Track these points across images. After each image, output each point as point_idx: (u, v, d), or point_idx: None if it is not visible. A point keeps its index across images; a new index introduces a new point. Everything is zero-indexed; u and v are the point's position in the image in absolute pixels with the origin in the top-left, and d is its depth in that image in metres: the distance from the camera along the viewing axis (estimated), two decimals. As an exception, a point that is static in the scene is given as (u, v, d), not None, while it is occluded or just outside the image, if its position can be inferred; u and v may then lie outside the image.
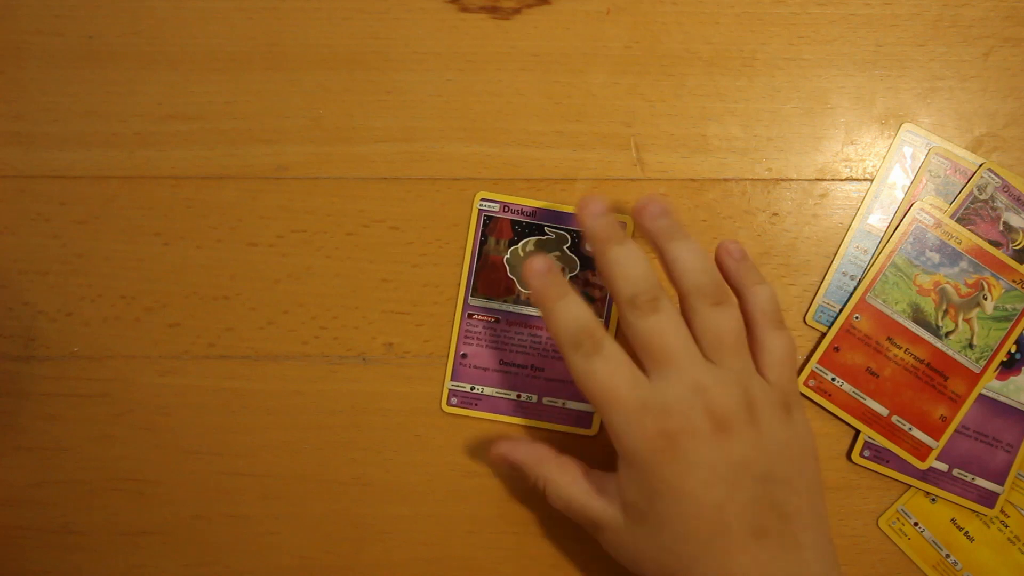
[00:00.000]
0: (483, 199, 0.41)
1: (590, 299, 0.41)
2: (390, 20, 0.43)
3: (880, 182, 0.42)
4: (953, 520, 0.41)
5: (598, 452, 0.41)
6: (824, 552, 0.33)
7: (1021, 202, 0.41)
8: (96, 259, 0.42)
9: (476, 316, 0.41)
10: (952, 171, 0.42)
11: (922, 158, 0.42)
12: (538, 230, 0.41)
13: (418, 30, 0.43)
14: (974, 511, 0.41)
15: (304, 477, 0.41)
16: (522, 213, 0.41)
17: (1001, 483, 0.40)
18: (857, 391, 0.41)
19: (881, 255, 0.41)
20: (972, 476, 0.41)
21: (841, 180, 0.42)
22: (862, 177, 0.42)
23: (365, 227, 0.42)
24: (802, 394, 0.41)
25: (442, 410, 0.41)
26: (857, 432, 0.41)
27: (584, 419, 0.41)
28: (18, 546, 0.41)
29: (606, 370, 0.33)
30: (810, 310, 0.42)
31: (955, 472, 0.41)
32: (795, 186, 0.42)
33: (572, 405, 0.41)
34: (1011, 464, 0.41)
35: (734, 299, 0.36)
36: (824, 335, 0.41)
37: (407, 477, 0.41)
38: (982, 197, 0.41)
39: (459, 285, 0.42)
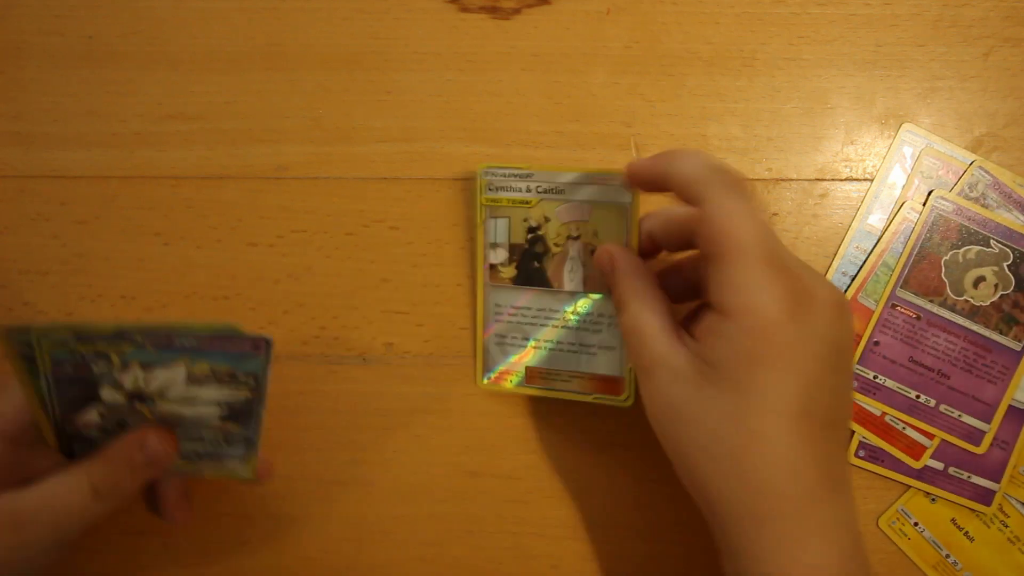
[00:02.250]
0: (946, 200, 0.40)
1: (1015, 321, 0.40)
2: (390, 20, 0.43)
3: (880, 182, 0.42)
4: (953, 520, 0.41)
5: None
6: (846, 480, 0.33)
7: (1012, 199, 0.41)
8: (96, 259, 0.42)
9: (900, 308, 0.40)
10: (944, 171, 0.42)
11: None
12: (983, 241, 0.40)
13: (418, 30, 0.43)
14: (971, 509, 0.41)
15: (304, 477, 0.42)
16: (974, 221, 0.40)
17: (997, 480, 0.40)
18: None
19: (872, 255, 0.41)
20: (968, 474, 0.41)
21: (841, 180, 0.42)
22: (862, 177, 0.42)
23: (365, 227, 0.42)
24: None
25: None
26: (852, 432, 0.41)
27: (975, 435, 0.40)
28: (18, 546, 0.41)
29: (758, 216, 0.31)
30: (810, 310, 0.42)
31: (951, 470, 0.41)
32: (795, 186, 0.42)
33: (967, 419, 0.40)
34: (1007, 461, 0.41)
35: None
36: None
37: (407, 477, 0.42)
38: (973, 195, 0.41)
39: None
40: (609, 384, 0.41)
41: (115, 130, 0.43)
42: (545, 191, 0.40)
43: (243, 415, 0.35)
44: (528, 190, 0.41)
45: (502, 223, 0.41)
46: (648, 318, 0.33)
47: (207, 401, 0.34)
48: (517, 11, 0.43)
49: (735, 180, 0.32)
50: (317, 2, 0.43)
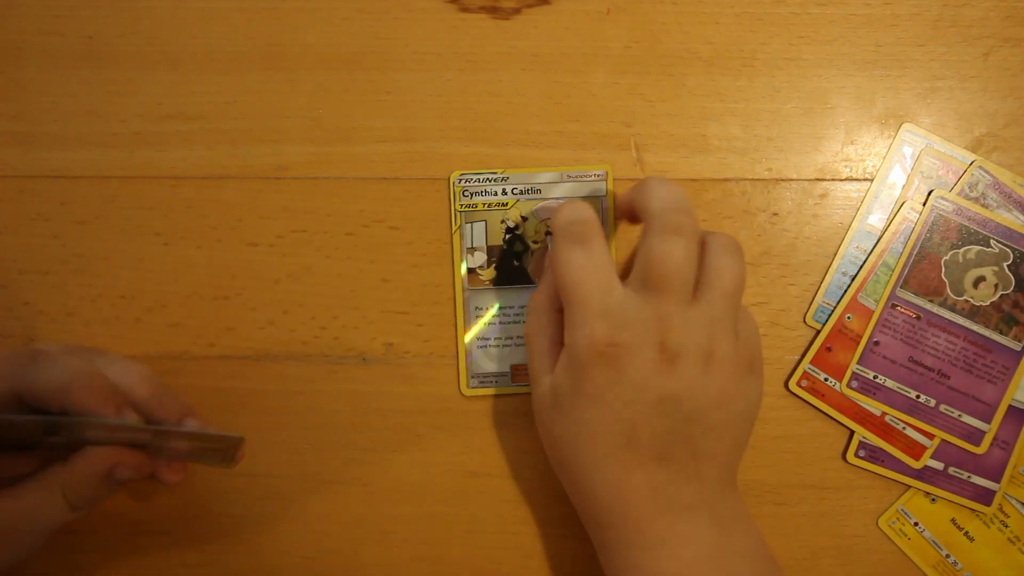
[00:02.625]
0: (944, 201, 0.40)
1: (1015, 321, 0.40)
2: (390, 20, 0.43)
3: (880, 182, 0.42)
4: (953, 520, 0.41)
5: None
6: (723, 492, 0.35)
7: (1012, 199, 0.41)
8: (96, 259, 0.42)
9: (900, 308, 0.40)
10: (944, 171, 0.42)
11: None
12: (983, 241, 0.40)
13: (418, 30, 0.43)
14: (971, 509, 0.41)
15: (304, 477, 0.41)
16: (973, 221, 0.40)
17: (997, 480, 0.40)
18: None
19: (872, 255, 0.41)
20: (968, 474, 0.41)
21: (841, 180, 0.42)
22: (862, 177, 0.42)
23: (365, 227, 0.42)
24: (795, 395, 0.41)
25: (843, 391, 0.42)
26: (851, 432, 0.41)
27: (975, 435, 0.40)
28: (18, 546, 0.41)
29: (583, 263, 0.34)
30: (810, 310, 0.42)
31: (951, 470, 0.41)
32: (795, 186, 0.42)
33: (967, 419, 0.40)
34: (1007, 461, 0.41)
35: (743, 259, 0.36)
36: (816, 335, 0.41)
37: (407, 477, 0.42)
38: (973, 194, 0.41)
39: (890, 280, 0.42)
40: None
41: (115, 130, 0.43)
42: (522, 192, 0.41)
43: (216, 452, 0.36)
44: (505, 193, 0.41)
45: (479, 227, 0.42)
46: (538, 336, 0.37)
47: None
48: (517, 11, 0.43)
49: (579, 232, 0.35)
50: (317, 2, 0.43)
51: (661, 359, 0.33)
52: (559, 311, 0.36)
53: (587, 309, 0.34)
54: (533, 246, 0.42)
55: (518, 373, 0.42)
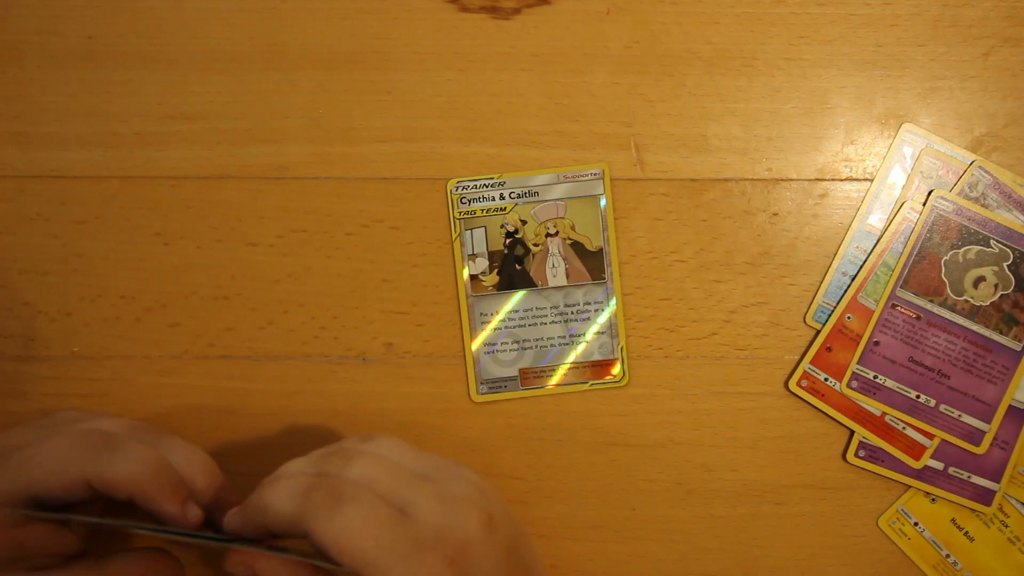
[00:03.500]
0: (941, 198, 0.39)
1: (1015, 321, 0.40)
2: (390, 20, 0.43)
3: (880, 182, 0.42)
4: (953, 520, 0.41)
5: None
6: None
7: (1012, 199, 0.41)
8: (96, 259, 0.42)
9: (900, 308, 0.40)
10: (944, 171, 0.42)
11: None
12: (983, 241, 0.40)
13: (418, 30, 0.43)
14: (971, 509, 0.41)
15: (304, 477, 0.41)
16: (973, 221, 0.40)
17: (997, 480, 0.40)
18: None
19: (872, 255, 0.41)
20: (968, 474, 0.41)
21: (841, 180, 0.42)
22: (862, 177, 0.42)
23: (365, 227, 0.42)
24: (795, 395, 0.41)
25: (844, 389, 0.42)
26: (852, 432, 0.41)
27: (975, 435, 0.40)
28: (18, 546, 0.41)
29: (362, 515, 0.29)
30: (810, 310, 0.42)
31: (951, 470, 0.41)
32: (795, 186, 0.42)
33: (967, 419, 0.40)
34: (1007, 461, 0.41)
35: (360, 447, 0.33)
36: (816, 335, 0.41)
37: (407, 477, 0.41)
38: (973, 195, 0.41)
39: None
40: (603, 368, 0.41)
41: (115, 130, 0.43)
42: (520, 196, 0.41)
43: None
44: (502, 197, 0.41)
45: (479, 233, 0.42)
46: None
47: None
48: (517, 11, 0.43)
49: (327, 494, 0.30)
50: (317, 2, 0.43)
51: (484, 527, 0.31)
52: None
53: (400, 551, 0.29)
54: (534, 248, 0.42)
55: (527, 376, 0.41)
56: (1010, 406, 0.41)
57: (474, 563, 0.30)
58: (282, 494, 0.30)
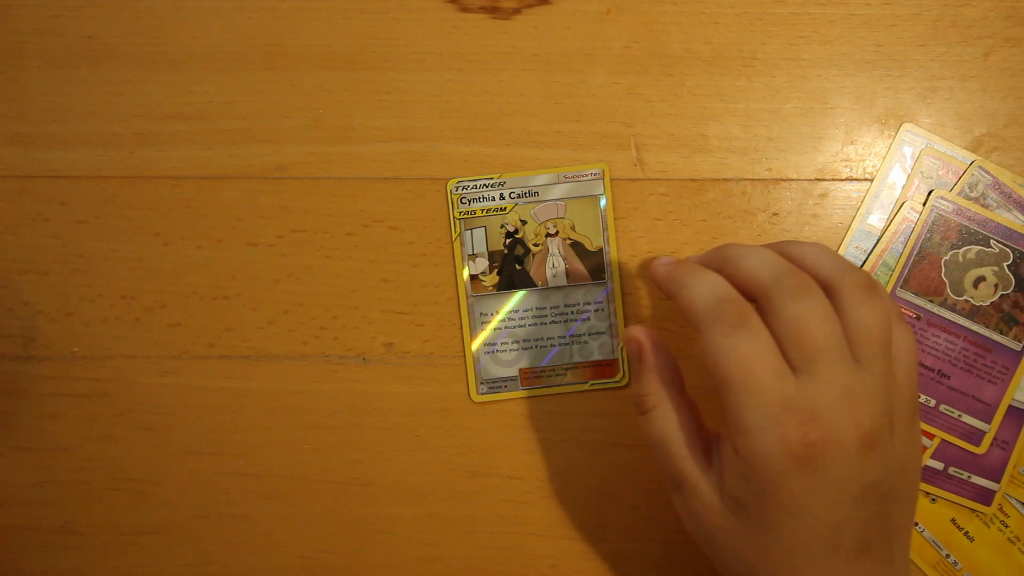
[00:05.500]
0: (939, 198, 0.39)
1: (1015, 321, 0.39)
2: (390, 20, 0.43)
3: (880, 182, 0.42)
4: (953, 520, 0.41)
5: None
6: (905, 560, 0.32)
7: (1012, 199, 0.41)
8: (96, 259, 0.42)
9: (902, 309, 0.40)
10: (944, 171, 0.42)
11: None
12: (983, 241, 0.40)
13: (418, 30, 0.43)
14: (971, 509, 0.41)
15: (304, 477, 0.42)
16: (973, 221, 0.40)
17: (997, 480, 0.40)
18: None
19: (872, 255, 0.41)
20: (968, 474, 0.41)
21: (841, 180, 0.42)
22: (862, 177, 0.42)
23: (365, 227, 0.42)
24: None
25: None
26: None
27: (975, 435, 0.40)
28: (18, 546, 0.41)
29: (752, 348, 0.29)
30: (810, 310, 0.42)
31: (951, 470, 0.41)
32: (795, 186, 0.42)
33: (967, 419, 0.40)
34: (1007, 461, 0.41)
35: (883, 290, 0.31)
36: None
37: (407, 477, 0.42)
38: (973, 195, 0.41)
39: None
40: (603, 369, 0.41)
41: (115, 130, 0.43)
42: (519, 196, 0.41)
43: None
44: (502, 197, 0.41)
45: (479, 233, 0.42)
46: (674, 432, 0.32)
47: None
48: (517, 11, 0.43)
49: (735, 313, 0.30)
50: (317, 2, 0.43)
51: (861, 445, 0.29)
52: (680, 393, 0.33)
53: (767, 405, 0.29)
54: (534, 249, 0.42)
55: (526, 377, 0.42)
56: (1010, 406, 0.41)
57: (828, 464, 0.28)
58: (703, 289, 0.31)
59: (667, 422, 0.32)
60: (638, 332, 0.34)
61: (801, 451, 0.28)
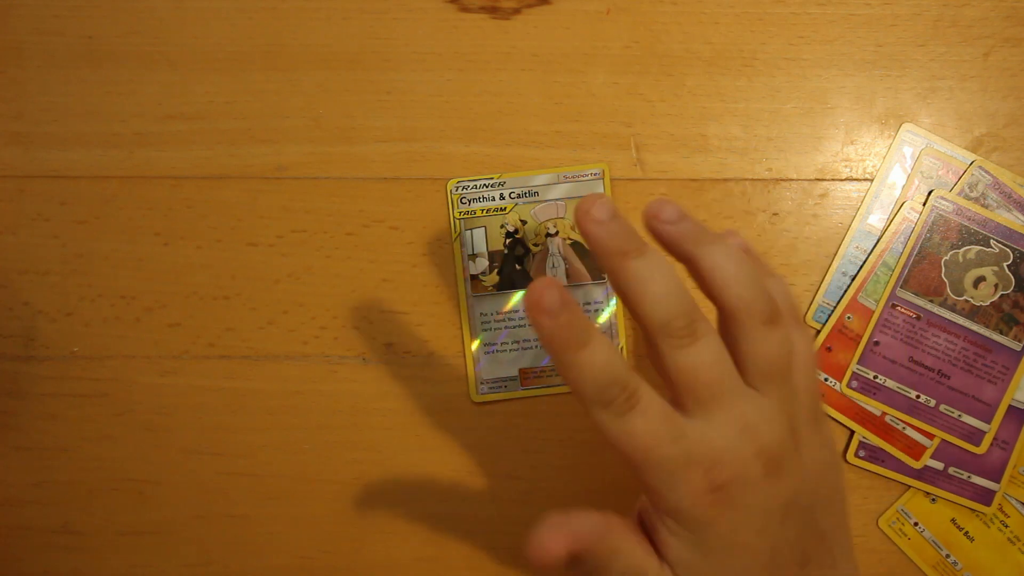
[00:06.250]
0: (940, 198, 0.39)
1: (1015, 321, 0.39)
2: (390, 20, 0.43)
3: (880, 182, 0.42)
4: (953, 520, 0.41)
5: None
6: (849, 557, 0.33)
7: (1012, 199, 0.41)
8: (96, 259, 0.42)
9: (900, 308, 0.40)
10: (944, 171, 0.42)
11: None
12: (983, 241, 0.40)
13: (418, 30, 0.43)
14: (971, 509, 0.41)
15: (304, 477, 0.41)
16: (973, 221, 0.40)
17: (997, 480, 0.40)
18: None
19: (872, 255, 0.41)
20: (968, 474, 0.41)
21: (841, 180, 0.42)
22: (862, 177, 0.42)
23: (365, 227, 0.42)
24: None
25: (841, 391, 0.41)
26: (852, 432, 0.41)
27: (975, 435, 0.40)
28: (18, 546, 0.41)
29: (645, 428, 0.29)
30: (810, 310, 0.42)
31: (951, 470, 0.41)
32: (795, 186, 0.42)
33: (967, 419, 0.40)
34: (1007, 461, 0.41)
35: (784, 315, 0.31)
36: (816, 335, 0.41)
37: (407, 477, 0.42)
38: (973, 195, 0.41)
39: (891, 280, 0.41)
40: None
41: (115, 130, 0.43)
42: (519, 196, 0.41)
43: None
44: (502, 197, 0.41)
45: (479, 233, 0.42)
46: (636, 555, 0.31)
47: None
48: (517, 11, 0.43)
49: (624, 400, 0.29)
50: (317, 2, 0.43)
51: (768, 472, 0.29)
52: (609, 533, 0.32)
53: (672, 469, 0.29)
54: (534, 248, 0.42)
55: (526, 377, 0.41)
56: (1010, 406, 0.41)
57: (743, 498, 0.29)
58: (588, 374, 0.29)
59: (629, 557, 0.31)
60: (546, 540, 0.31)
61: (714, 496, 0.29)
